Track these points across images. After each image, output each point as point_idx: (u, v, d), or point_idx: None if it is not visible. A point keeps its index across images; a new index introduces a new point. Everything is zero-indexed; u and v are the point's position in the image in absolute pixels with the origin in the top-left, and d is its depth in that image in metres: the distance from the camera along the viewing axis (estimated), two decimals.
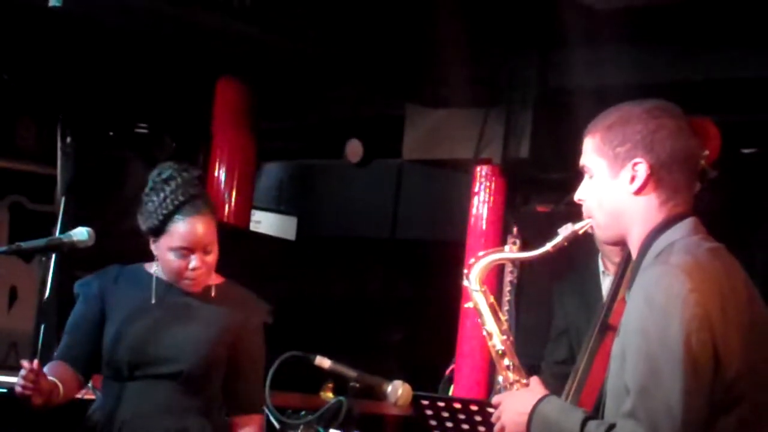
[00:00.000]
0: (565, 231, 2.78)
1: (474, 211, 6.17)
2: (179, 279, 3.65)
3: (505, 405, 2.70)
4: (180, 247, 3.59)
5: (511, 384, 2.87)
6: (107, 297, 3.68)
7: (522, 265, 5.33)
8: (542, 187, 6.52)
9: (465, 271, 2.97)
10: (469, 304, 2.98)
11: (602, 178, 2.59)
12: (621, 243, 2.65)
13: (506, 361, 2.89)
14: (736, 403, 2.39)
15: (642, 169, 2.52)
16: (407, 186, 8.90)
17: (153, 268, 3.73)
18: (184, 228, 3.57)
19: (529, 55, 5.92)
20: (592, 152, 2.60)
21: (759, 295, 2.53)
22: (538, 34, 5.66)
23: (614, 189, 2.57)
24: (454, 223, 6.57)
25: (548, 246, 2.81)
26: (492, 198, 6.15)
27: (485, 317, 2.94)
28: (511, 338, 2.95)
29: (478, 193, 6.16)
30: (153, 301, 3.66)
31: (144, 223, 3.64)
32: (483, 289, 2.95)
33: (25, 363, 3.32)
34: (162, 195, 3.59)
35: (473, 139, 6.06)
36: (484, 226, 6.13)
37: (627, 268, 3.63)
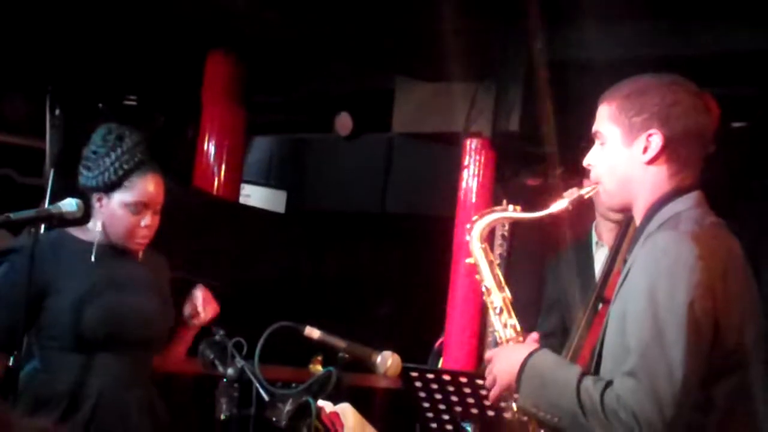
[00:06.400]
0: (570, 195, 2.79)
1: (463, 184, 6.17)
2: (130, 237, 3.63)
3: (498, 356, 2.73)
4: (138, 201, 3.60)
5: (507, 342, 2.86)
6: (46, 268, 3.52)
7: (512, 238, 5.33)
8: (532, 160, 6.52)
9: (468, 226, 2.98)
10: (470, 260, 2.98)
11: (615, 145, 2.62)
12: (625, 210, 2.69)
13: (503, 319, 2.89)
14: (732, 371, 2.45)
15: (656, 141, 2.56)
16: (397, 159, 8.89)
17: (83, 232, 3.66)
18: (144, 184, 3.61)
19: (519, 28, 5.90)
20: (606, 119, 2.63)
21: (752, 275, 2.57)
22: (529, 7, 5.64)
23: (626, 157, 2.60)
24: (443, 197, 6.56)
25: (553, 208, 2.82)
26: (482, 171, 6.14)
27: (484, 273, 2.94)
28: (510, 296, 2.93)
29: (467, 167, 6.15)
30: (92, 260, 3.59)
31: (95, 178, 3.61)
32: (484, 246, 2.96)
33: None
34: (119, 151, 3.59)
35: (463, 113, 6.05)
36: (473, 200, 6.12)
37: (623, 242, 3.63)
